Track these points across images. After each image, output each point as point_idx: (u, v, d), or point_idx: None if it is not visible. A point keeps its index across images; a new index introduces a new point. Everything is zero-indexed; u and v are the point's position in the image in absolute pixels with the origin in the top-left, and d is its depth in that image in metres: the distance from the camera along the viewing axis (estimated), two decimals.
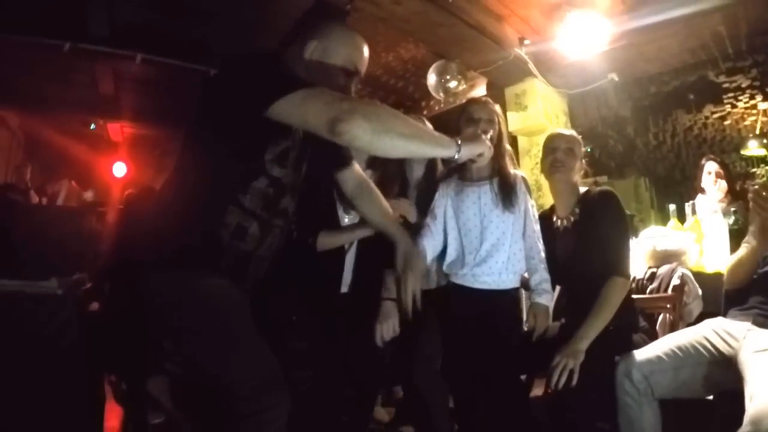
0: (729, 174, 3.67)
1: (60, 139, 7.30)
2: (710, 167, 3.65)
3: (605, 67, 4.46)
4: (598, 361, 2.03)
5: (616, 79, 4.60)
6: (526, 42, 4.13)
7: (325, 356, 2.29)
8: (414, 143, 1.53)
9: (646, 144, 7.15)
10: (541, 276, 2.21)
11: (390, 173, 2.44)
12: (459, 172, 2.31)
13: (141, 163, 7.76)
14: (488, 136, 2.04)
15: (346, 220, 2.38)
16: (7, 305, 2.06)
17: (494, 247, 2.20)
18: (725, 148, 6.99)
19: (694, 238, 3.07)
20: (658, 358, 2.01)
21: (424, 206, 2.40)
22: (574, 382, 1.97)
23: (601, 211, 2.24)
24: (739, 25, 3.96)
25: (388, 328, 2.15)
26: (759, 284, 2.11)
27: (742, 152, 6.57)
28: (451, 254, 2.27)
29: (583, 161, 2.43)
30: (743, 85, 5.36)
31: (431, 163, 2.54)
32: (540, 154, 2.51)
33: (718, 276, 2.62)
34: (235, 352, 1.49)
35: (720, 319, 2.13)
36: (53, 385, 2.15)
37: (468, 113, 2.28)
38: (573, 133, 2.49)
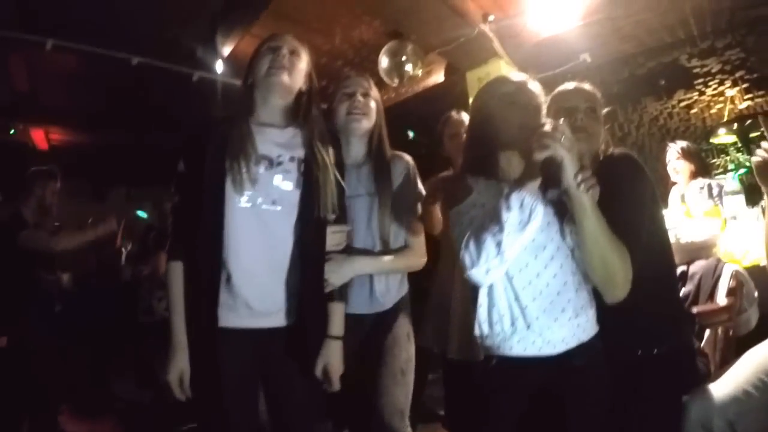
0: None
1: None
2: (670, 154, 3.68)
3: (578, 46, 4.12)
4: (658, 400, 1.43)
5: (589, 60, 4.22)
6: (491, 18, 3.66)
7: None
8: None
9: (612, 135, 6.84)
10: None
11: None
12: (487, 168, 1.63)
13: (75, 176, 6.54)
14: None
15: None
16: None
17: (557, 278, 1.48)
18: (688, 139, 6.72)
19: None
20: (745, 394, 1.45)
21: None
22: None
23: None
24: None
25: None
26: None
27: (712, 140, 6.30)
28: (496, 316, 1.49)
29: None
30: (713, 70, 5.18)
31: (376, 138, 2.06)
32: None
33: (759, 269, 2.08)
34: None
35: None
36: None
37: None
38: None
